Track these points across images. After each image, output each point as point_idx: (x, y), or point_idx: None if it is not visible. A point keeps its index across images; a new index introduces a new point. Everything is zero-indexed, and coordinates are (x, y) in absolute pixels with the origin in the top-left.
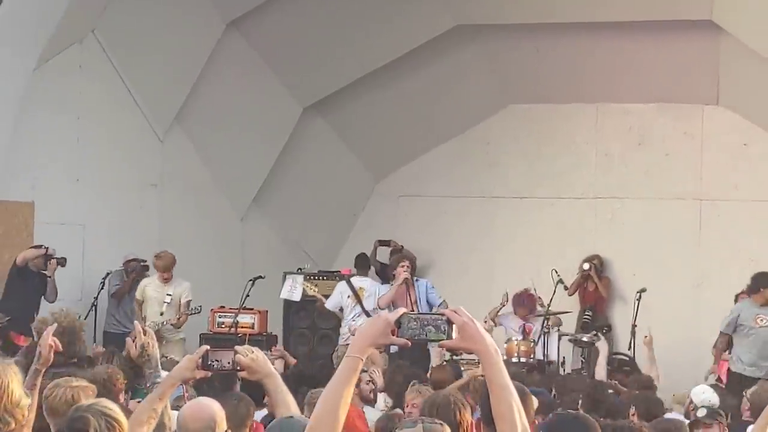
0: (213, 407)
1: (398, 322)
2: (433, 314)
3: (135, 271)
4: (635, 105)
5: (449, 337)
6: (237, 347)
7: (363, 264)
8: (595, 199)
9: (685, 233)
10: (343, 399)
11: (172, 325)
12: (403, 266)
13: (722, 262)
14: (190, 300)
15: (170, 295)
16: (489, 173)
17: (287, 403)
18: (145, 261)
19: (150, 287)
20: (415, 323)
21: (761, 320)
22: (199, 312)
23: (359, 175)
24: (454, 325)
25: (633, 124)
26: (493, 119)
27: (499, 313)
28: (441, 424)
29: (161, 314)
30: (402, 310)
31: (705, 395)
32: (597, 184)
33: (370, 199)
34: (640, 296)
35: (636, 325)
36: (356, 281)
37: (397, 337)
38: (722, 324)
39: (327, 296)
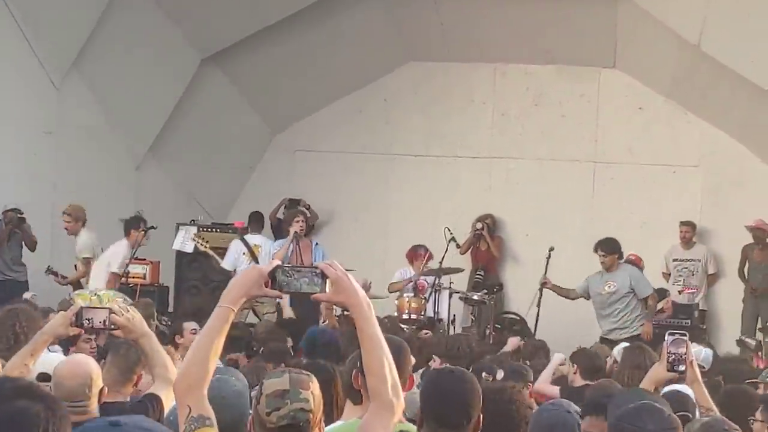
0: (89, 364)
1: (272, 274)
2: (307, 267)
3: (12, 222)
4: (533, 66)
5: (323, 290)
6: (113, 306)
7: (257, 221)
8: (491, 158)
9: (579, 195)
10: (213, 349)
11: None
12: (297, 221)
13: (615, 224)
14: (88, 257)
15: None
16: (386, 130)
17: (164, 364)
18: (22, 213)
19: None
20: (288, 275)
21: (608, 287)
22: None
23: (256, 128)
24: (328, 279)
25: (530, 85)
26: (391, 76)
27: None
28: (308, 374)
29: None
30: (276, 262)
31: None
32: (493, 144)
33: (266, 152)
34: (549, 254)
35: (545, 283)
36: (250, 238)
37: (271, 288)
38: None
39: (218, 249)
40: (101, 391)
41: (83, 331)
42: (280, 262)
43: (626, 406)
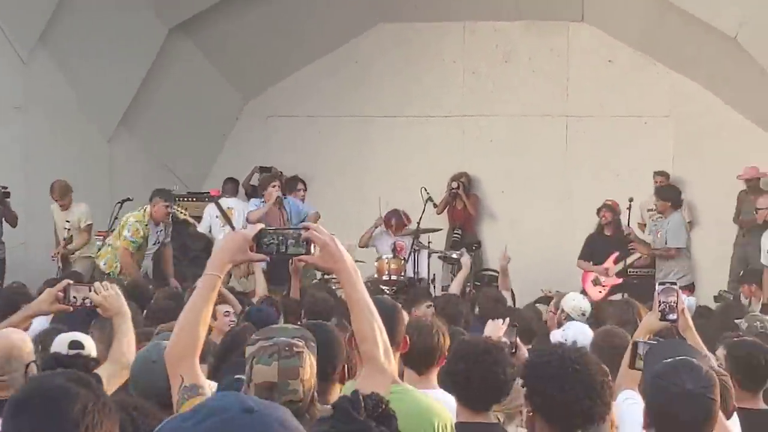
0: (14, 337)
1: (257, 238)
2: (293, 228)
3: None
4: (501, 23)
5: (309, 252)
6: (95, 283)
7: (231, 188)
8: (463, 117)
9: (553, 150)
10: (203, 316)
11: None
12: (274, 185)
13: (589, 177)
14: (90, 224)
15: (68, 221)
16: (358, 92)
17: (122, 347)
18: (6, 187)
19: (55, 214)
20: (274, 238)
21: None
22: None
23: (227, 95)
24: (312, 242)
25: (499, 42)
26: (362, 38)
27: (373, 234)
28: (298, 352)
29: (64, 239)
30: (260, 226)
31: (575, 302)
32: (465, 102)
33: (238, 119)
34: (630, 205)
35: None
36: (224, 201)
37: (256, 252)
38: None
39: (197, 217)
40: (28, 365)
41: (71, 308)
42: (264, 226)
43: (663, 362)
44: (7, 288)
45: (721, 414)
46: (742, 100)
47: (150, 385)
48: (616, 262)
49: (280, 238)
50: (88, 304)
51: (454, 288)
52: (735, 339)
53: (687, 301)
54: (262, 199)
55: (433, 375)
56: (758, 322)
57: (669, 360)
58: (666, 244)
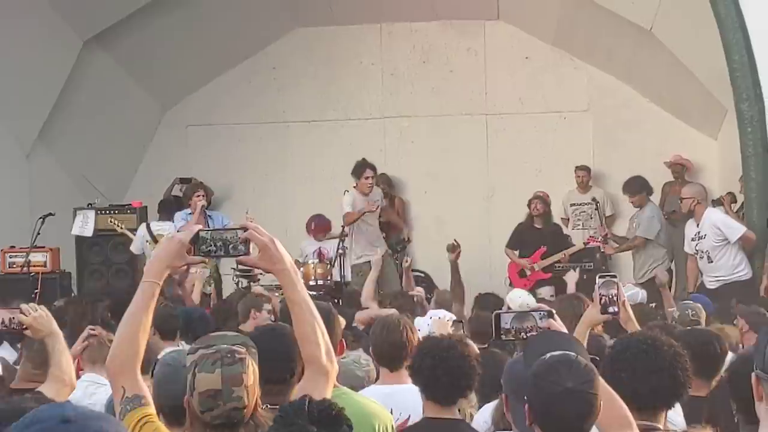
0: None
1: (194, 241)
2: (230, 229)
3: None
4: (419, 23)
5: (247, 253)
6: (22, 305)
7: (166, 209)
8: (383, 118)
9: (474, 148)
10: (143, 324)
11: None
12: (198, 195)
13: (511, 174)
14: None
15: None
16: (278, 98)
17: (60, 364)
18: None
19: None
20: (211, 240)
21: None
22: None
23: (145, 105)
24: (251, 242)
25: (417, 43)
26: (279, 43)
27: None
28: (241, 358)
29: None
30: (197, 227)
31: (522, 299)
32: (385, 104)
33: (157, 130)
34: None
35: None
36: (155, 226)
37: (194, 255)
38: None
39: (133, 230)
40: None
41: None
42: (200, 227)
43: (542, 360)
44: None
45: (610, 389)
46: (659, 92)
47: (172, 389)
48: (543, 257)
49: (218, 239)
50: (9, 327)
51: (366, 288)
52: (687, 328)
53: (641, 295)
54: (189, 211)
55: (404, 371)
56: (690, 310)
57: (548, 357)
58: (636, 233)
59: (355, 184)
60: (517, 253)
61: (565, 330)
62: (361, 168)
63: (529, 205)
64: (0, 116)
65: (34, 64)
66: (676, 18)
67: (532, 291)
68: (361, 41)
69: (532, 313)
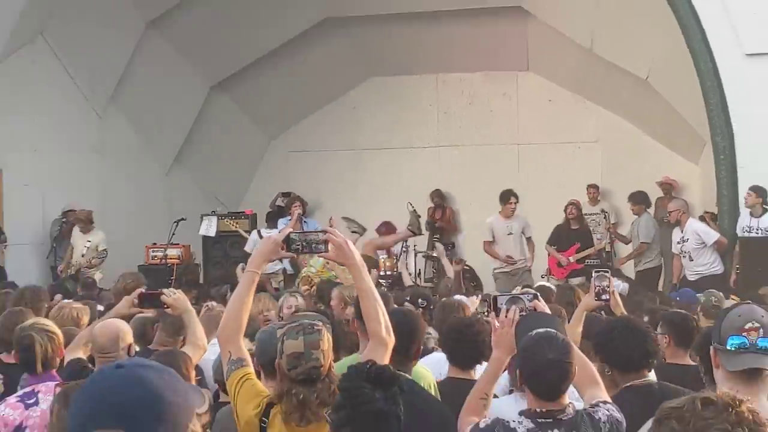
0: (117, 324)
1: (286, 240)
2: (314, 232)
3: (72, 220)
4: (466, 74)
5: (327, 250)
6: (164, 290)
7: (272, 219)
8: (438, 147)
9: (508, 170)
10: (245, 305)
11: (86, 267)
12: (296, 206)
13: (536, 191)
14: (105, 249)
15: (89, 241)
16: (356, 131)
17: (196, 333)
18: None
19: (76, 235)
20: (299, 241)
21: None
22: (104, 256)
23: (256, 137)
24: (329, 243)
25: (464, 89)
26: (358, 89)
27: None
28: (319, 330)
29: (82, 256)
30: (288, 230)
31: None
32: (439, 136)
33: (265, 154)
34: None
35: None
36: (264, 232)
37: (286, 251)
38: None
39: (247, 231)
40: (129, 346)
41: (143, 311)
42: (291, 229)
43: (529, 335)
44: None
45: (584, 356)
46: (653, 127)
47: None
48: (576, 251)
49: (304, 240)
50: (160, 306)
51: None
52: (671, 310)
53: (621, 286)
54: (289, 218)
55: None
56: (713, 297)
57: (534, 333)
58: (638, 238)
59: (500, 209)
60: (555, 248)
61: (547, 310)
62: (506, 195)
63: (565, 210)
64: (146, 143)
65: (173, 103)
66: (666, 70)
67: (566, 279)
68: (422, 87)
69: (521, 296)
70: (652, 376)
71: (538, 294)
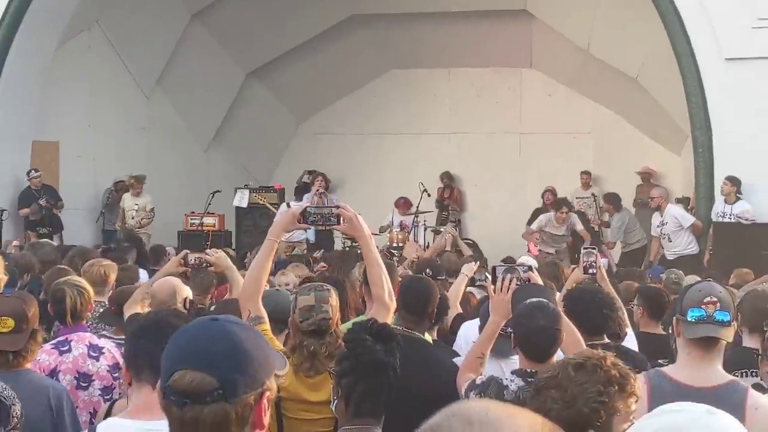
0: (173, 281)
1: (303, 213)
2: (328, 206)
3: (123, 188)
4: (475, 69)
5: (339, 223)
6: (207, 250)
7: (299, 192)
8: (449, 133)
9: (510, 156)
10: (264, 269)
11: (137, 228)
12: (319, 181)
13: (536, 175)
14: (153, 207)
15: (137, 204)
16: (377, 117)
17: (239, 286)
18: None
19: (126, 199)
20: (314, 214)
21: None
22: (152, 216)
23: (286, 119)
24: (341, 217)
25: (474, 82)
26: (379, 79)
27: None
28: (328, 289)
29: (132, 218)
30: (305, 204)
31: (524, 258)
32: (450, 123)
33: (294, 136)
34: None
35: None
36: (293, 203)
37: (302, 223)
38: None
39: (273, 204)
40: (186, 299)
41: (189, 269)
42: (308, 204)
43: (523, 303)
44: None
45: (570, 323)
46: (640, 120)
47: (277, 306)
48: None
49: (319, 213)
50: (203, 265)
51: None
52: (646, 285)
53: (603, 261)
54: (313, 193)
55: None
56: (673, 275)
57: (527, 302)
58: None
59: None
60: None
61: (540, 281)
62: (559, 204)
63: (542, 196)
64: (187, 123)
65: (212, 89)
66: (654, 70)
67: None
68: (435, 80)
69: (518, 267)
70: (630, 345)
71: (533, 266)
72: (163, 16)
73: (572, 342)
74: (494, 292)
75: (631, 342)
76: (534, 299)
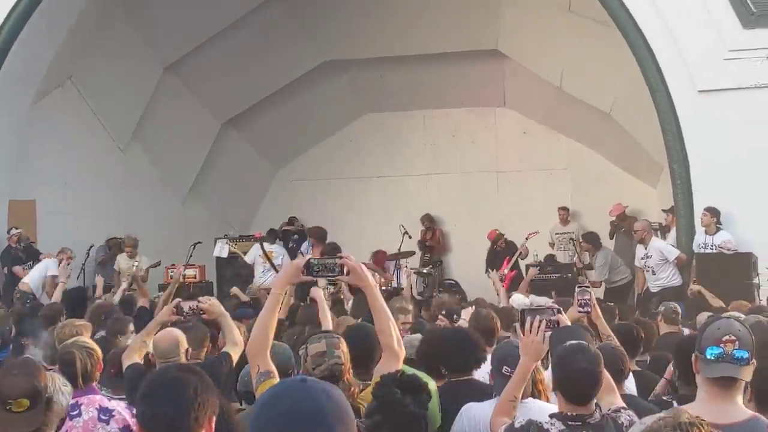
0: (176, 332)
1: (307, 265)
2: (330, 258)
3: (116, 245)
4: (450, 110)
5: (343, 273)
6: (199, 297)
7: (272, 235)
8: (427, 175)
9: (488, 194)
10: (271, 323)
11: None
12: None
13: (514, 214)
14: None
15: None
16: (354, 161)
17: (232, 332)
18: (121, 238)
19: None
20: (317, 265)
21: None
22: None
23: (263, 167)
24: (345, 267)
25: (450, 123)
26: (354, 124)
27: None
28: (338, 337)
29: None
30: (308, 257)
31: (521, 299)
32: (427, 165)
33: (271, 183)
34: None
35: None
36: (267, 246)
37: (306, 275)
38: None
39: (245, 252)
40: (187, 350)
41: (182, 318)
42: (311, 257)
43: (563, 346)
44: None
45: (607, 373)
46: (616, 155)
47: (280, 357)
48: (508, 263)
49: (323, 264)
50: (197, 312)
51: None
52: (620, 323)
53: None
54: (311, 243)
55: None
56: (672, 305)
57: (567, 345)
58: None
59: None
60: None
61: (569, 323)
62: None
63: (495, 243)
64: (164, 175)
65: (188, 140)
66: (627, 104)
67: (508, 291)
68: (411, 122)
69: (546, 309)
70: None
71: (561, 309)
72: (136, 70)
73: (605, 385)
74: (523, 334)
75: (630, 381)
76: (573, 341)
